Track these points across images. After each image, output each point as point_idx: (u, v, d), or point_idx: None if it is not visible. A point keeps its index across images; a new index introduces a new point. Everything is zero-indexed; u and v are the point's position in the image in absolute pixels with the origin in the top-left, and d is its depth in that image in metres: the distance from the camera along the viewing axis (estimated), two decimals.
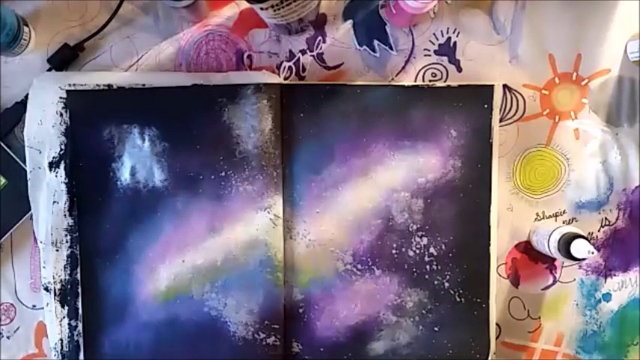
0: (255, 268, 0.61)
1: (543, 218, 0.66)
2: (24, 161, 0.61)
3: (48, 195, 0.61)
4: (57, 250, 0.62)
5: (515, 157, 0.65)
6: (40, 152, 0.61)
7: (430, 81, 0.64)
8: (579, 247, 0.57)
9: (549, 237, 0.60)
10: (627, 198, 0.66)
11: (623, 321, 0.67)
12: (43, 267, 0.62)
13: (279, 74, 0.64)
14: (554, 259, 0.66)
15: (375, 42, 0.64)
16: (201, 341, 0.62)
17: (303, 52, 0.64)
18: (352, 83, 0.63)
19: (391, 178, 0.63)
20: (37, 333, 0.64)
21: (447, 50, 0.64)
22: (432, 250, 0.63)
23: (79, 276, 0.62)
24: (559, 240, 0.59)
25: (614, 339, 0.67)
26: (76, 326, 0.62)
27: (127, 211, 0.62)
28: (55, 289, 0.62)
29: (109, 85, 0.61)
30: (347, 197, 0.63)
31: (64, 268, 0.62)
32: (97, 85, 0.61)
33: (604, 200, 0.66)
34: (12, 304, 0.64)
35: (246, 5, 0.62)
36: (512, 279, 0.66)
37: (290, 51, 0.64)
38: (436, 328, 0.64)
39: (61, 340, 0.62)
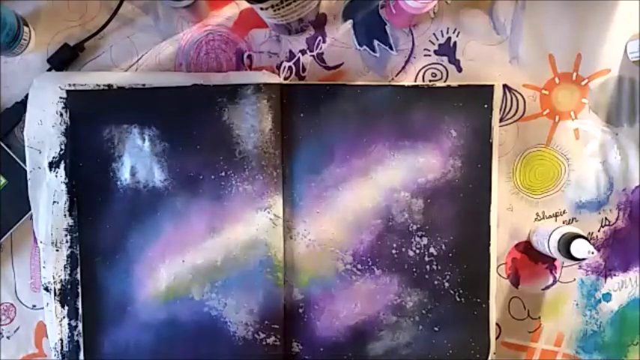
0: (255, 268, 0.61)
1: (543, 218, 0.66)
2: (24, 161, 0.61)
3: (48, 195, 0.61)
4: (57, 250, 0.62)
5: (515, 157, 0.65)
6: (40, 152, 0.61)
7: (430, 81, 0.64)
8: (579, 247, 0.57)
9: (549, 237, 0.60)
10: (627, 198, 0.66)
11: (623, 321, 0.67)
12: (43, 267, 0.62)
13: (279, 74, 0.64)
14: (554, 259, 0.66)
15: (375, 42, 0.64)
16: (201, 341, 0.62)
17: (303, 52, 0.64)
18: (352, 83, 0.63)
19: (391, 178, 0.63)
20: (37, 333, 0.64)
21: (447, 50, 0.64)
22: (432, 250, 0.63)
23: (79, 276, 0.62)
24: (559, 240, 0.59)
25: (614, 339, 0.67)
26: (76, 326, 0.62)
27: (127, 211, 0.62)
28: (55, 289, 0.62)
29: (109, 85, 0.61)
30: (347, 197, 0.63)
31: (64, 268, 0.62)
32: (97, 85, 0.61)
33: (604, 200, 0.66)
34: (12, 304, 0.64)
35: (246, 5, 0.62)
36: (512, 279, 0.66)
37: (290, 51, 0.64)
38: (436, 328, 0.64)
39: (61, 340, 0.62)
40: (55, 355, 0.62)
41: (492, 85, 0.63)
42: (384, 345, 0.64)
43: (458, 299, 0.64)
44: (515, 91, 0.65)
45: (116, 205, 0.62)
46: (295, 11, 0.54)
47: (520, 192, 0.65)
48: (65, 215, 0.62)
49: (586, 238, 0.58)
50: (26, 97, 0.61)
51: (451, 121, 0.63)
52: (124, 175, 0.62)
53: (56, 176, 0.61)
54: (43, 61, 0.62)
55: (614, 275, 0.66)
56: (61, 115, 0.61)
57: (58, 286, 0.62)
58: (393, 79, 0.64)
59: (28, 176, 0.61)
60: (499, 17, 0.64)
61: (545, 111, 0.65)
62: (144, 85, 0.61)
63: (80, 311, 0.62)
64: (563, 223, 0.66)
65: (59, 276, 0.62)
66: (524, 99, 0.65)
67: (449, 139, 0.63)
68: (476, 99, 0.63)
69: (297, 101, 0.62)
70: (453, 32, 0.64)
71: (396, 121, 0.63)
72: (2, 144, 0.62)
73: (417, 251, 0.63)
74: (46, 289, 0.62)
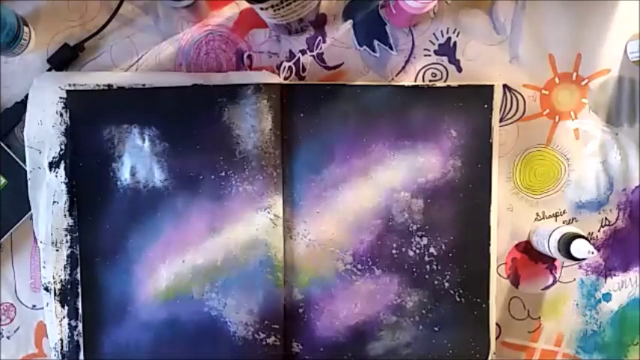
0: (255, 268, 0.61)
1: (543, 218, 0.66)
2: (24, 161, 0.62)
3: (48, 195, 0.61)
4: (57, 250, 0.62)
5: (515, 157, 0.65)
6: (40, 152, 0.61)
7: (430, 81, 0.64)
8: (579, 247, 0.57)
9: (549, 237, 0.60)
10: (627, 198, 0.66)
11: (623, 321, 0.67)
12: (43, 267, 0.62)
13: (279, 74, 0.64)
14: (554, 259, 0.66)
15: (375, 42, 0.64)
16: (201, 341, 0.62)
17: (303, 52, 0.64)
18: (352, 83, 0.63)
19: (391, 178, 0.63)
20: (37, 333, 0.64)
21: (447, 50, 0.64)
22: (432, 250, 0.63)
23: (79, 276, 0.62)
24: (559, 240, 0.59)
25: (614, 339, 0.67)
26: (76, 326, 0.62)
27: (127, 211, 0.62)
28: (55, 289, 0.62)
29: (109, 85, 0.61)
30: (347, 197, 0.63)
31: (64, 268, 0.62)
32: (97, 85, 0.61)
33: (604, 200, 0.66)
34: (12, 304, 0.64)
35: (246, 5, 0.62)
36: (512, 279, 0.66)
37: (290, 51, 0.64)
38: (436, 328, 0.64)
39: (61, 340, 0.62)
40: (55, 355, 0.62)
41: (492, 85, 0.63)
42: (384, 345, 0.64)
43: (458, 299, 0.64)
44: (515, 91, 0.65)
45: (116, 205, 0.62)
46: (295, 11, 0.54)
47: (520, 192, 0.65)
48: (65, 215, 0.62)
49: (586, 238, 0.58)
50: (26, 97, 0.61)
51: (451, 121, 0.63)
52: (124, 175, 0.62)
53: (56, 176, 0.61)
54: (43, 61, 0.62)
55: (614, 275, 0.66)
56: (61, 115, 0.61)
57: (58, 286, 0.62)
58: (393, 79, 0.64)
59: (28, 176, 0.61)
60: (499, 17, 0.64)
61: (545, 111, 0.65)
62: (144, 85, 0.61)
63: (80, 311, 0.62)
64: (563, 223, 0.66)
65: (59, 276, 0.62)
66: (524, 99, 0.65)
67: (449, 139, 0.63)
68: (476, 99, 0.63)
69: (297, 101, 0.62)
70: (453, 32, 0.64)
71: (396, 121, 0.63)
72: (2, 144, 0.62)
73: (417, 251, 0.63)
74: (46, 289, 0.62)
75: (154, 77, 0.62)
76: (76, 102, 0.61)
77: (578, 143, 0.65)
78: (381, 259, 0.63)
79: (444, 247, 0.63)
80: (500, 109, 0.64)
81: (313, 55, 0.64)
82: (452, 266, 0.63)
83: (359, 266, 0.63)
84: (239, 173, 0.61)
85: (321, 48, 0.64)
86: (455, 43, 0.64)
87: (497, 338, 0.66)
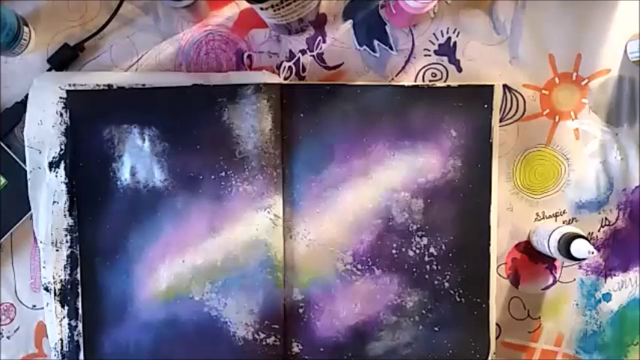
0: (255, 268, 0.61)
1: (543, 218, 0.66)
2: (24, 161, 0.62)
3: (48, 195, 0.61)
4: (57, 250, 0.62)
5: (515, 157, 0.65)
6: (40, 152, 0.61)
7: (430, 81, 0.64)
8: (579, 247, 0.57)
9: (549, 237, 0.60)
10: (627, 198, 0.66)
11: (623, 321, 0.67)
12: (43, 267, 0.62)
13: (279, 74, 0.64)
14: (554, 259, 0.66)
15: (375, 42, 0.64)
16: (201, 341, 0.62)
17: (303, 52, 0.64)
18: (352, 83, 0.63)
19: (391, 178, 0.63)
20: (37, 333, 0.64)
21: (447, 50, 0.64)
22: (432, 250, 0.63)
23: (79, 276, 0.62)
24: (559, 240, 0.59)
25: (614, 339, 0.67)
26: (76, 326, 0.62)
27: (127, 211, 0.62)
28: (55, 289, 0.62)
29: (109, 85, 0.61)
30: (347, 197, 0.63)
31: (64, 268, 0.62)
32: (97, 85, 0.61)
33: (604, 200, 0.66)
34: (12, 304, 0.64)
35: (246, 5, 0.62)
36: (512, 279, 0.66)
37: (290, 51, 0.64)
38: (436, 328, 0.64)
39: (61, 340, 0.62)
40: (55, 355, 0.62)
41: (492, 85, 0.63)
42: (384, 345, 0.64)
43: (458, 299, 0.64)
44: (515, 91, 0.65)
45: (116, 205, 0.62)
46: (295, 11, 0.54)
47: (520, 192, 0.65)
48: (65, 215, 0.62)
49: (586, 238, 0.58)
50: (26, 97, 0.61)
51: (451, 121, 0.63)
52: (124, 175, 0.62)
53: (56, 176, 0.61)
54: (43, 61, 0.62)
55: (614, 275, 0.66)
56: (61, 115, 0.61)
57: (58, 286, 0.62)
58: (393, 79, 0.64)
59: (28, 176, 0.61)
60: (499, 17, 0.64)
61: (545, 111, 0.65)
62: (144, 85, 0.61)
63: (80, 311, 0.62)
64: (563, 223, 0.66)
65: (59, 276, 0.62)
66: (524, 99, 0.65)
67: (449, 139, 0.63)
68: (476, 99, 0.63)
69: (297, 101, 0.62)
70: (453, 32, 0.64)
71: (396, 121, 0.63)
72: (2, 144, 0.62)
73: (417, 251, 0.63)
74: (46, 289, 0.62)
75: (154, 77, 0.62)
76: (76, 102, 0.61)
77: (578, 143, 0.65)
78: (381, 259, 0.63)
79: (444, 247, 0.63)
80: (500, 109, 0.64)
81: (313, 55, 0.64)
82: (452, 266, 0.63)
83: (359, 266, 0.63)
84: (239, 173, 0.61)
85: (321, 48, 0.64)
86: (455, 43, 0.64)
87: (497, 338, 0.66)
